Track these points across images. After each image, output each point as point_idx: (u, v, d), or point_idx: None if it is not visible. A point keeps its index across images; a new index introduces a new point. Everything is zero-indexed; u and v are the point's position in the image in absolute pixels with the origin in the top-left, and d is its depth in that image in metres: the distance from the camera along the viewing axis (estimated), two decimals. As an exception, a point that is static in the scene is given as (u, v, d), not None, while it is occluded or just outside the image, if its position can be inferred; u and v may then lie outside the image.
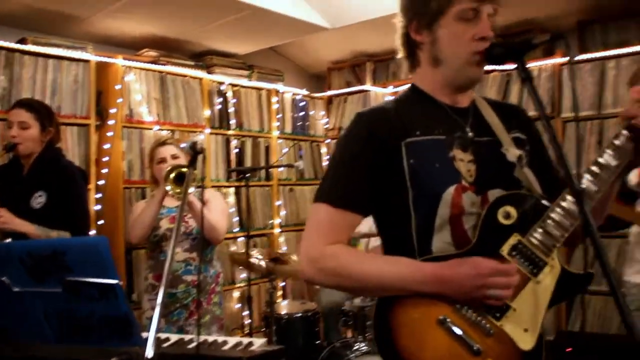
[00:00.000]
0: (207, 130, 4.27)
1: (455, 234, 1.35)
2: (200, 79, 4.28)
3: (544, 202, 1.34)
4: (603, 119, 3.87)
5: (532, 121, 1.56)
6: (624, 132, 1.28)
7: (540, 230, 1.30)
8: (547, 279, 1.30)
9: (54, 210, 2.72)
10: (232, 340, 1.75)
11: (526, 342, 1.28)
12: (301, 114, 5.17)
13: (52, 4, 3.49)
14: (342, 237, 1.40)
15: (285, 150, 4.94)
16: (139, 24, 3.87)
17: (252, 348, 1.69)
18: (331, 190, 1.40)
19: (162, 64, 4.04)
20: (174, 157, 3.06)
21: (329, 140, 5.43)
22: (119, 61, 3.76)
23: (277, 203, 4.82)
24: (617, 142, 1.29)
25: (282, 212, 4.88)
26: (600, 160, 1.30)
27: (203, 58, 4.43)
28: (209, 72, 4.38)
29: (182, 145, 3.13)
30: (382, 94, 5.08)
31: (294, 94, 5.09)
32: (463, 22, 1.36)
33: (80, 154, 3.58)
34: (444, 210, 1.34)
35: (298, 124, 5.13)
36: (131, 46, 4.15)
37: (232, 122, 4.49)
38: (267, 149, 4.81)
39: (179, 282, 2.96)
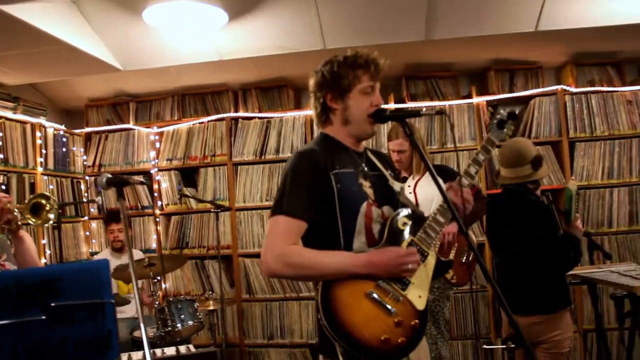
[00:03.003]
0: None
1: (368, 237, 1.95)
2: (-33, 110, 3.95)
3: (424, 216, 2.05)
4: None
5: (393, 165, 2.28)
6: (481, 153, 2.08)
7: (423, 233, 1.98)
8: (430, 262, 1.99)
9: None
10: (170, 349, 1.99)
11: (420, 304, 1.93)
12: (63, 149, 5.05)
13: None
14: (297, 240, 1.88)
15: (50, 186, 4.77)
16: None
17: (195, 351, 1.97)
18: (288, 205, 1.87)
19: None
20: None
21: (87, 178, 5.38)
22: None
23: (43, 242, 4.62)
24: (478, 157, 2.08)
25: (47, 252, 4.68)
26: (469, 170, 2.06)
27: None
28: (-26, 102, 4.07)
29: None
30: (147, 133, 5.33)
31: (55, 129, 4.96)
32: (364, 95, 2.00)
33: None
34: (361, 219, 1.93)
35: (59, 160, 5.00)
36: None
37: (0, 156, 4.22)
38: (33, 185, 4.59)
39: None
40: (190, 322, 4.00)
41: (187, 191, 5.07)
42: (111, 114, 5.52)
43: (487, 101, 4.95)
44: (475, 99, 4.95)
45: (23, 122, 4.55)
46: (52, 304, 1.63)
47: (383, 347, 1.81)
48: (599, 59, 5.01)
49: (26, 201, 2.75)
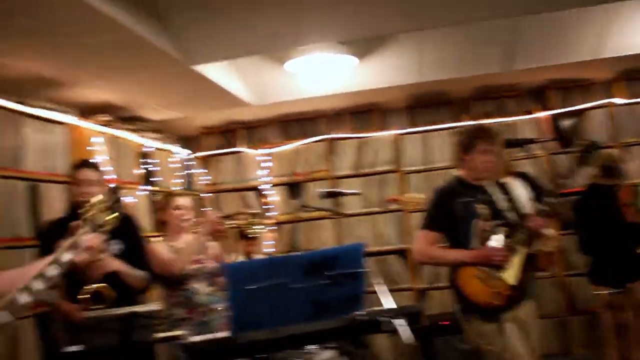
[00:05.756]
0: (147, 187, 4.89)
1: (480, 241, 2.99)
2: (132, 142, 4.91)
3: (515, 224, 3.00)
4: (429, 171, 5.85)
5: None
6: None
7: (515, 236, 2.95)
8: (522, 253, 2.96)
9: (129, 255, 3.30)
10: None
11: (511, 280, 2.93)
12: (189, 172, 6.00)
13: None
14: (434, 243, 3.05)
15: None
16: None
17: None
18: (426, 223, 3.08)
19: (115, 128, 4.60)
20: (186, 207, 3.79)
21: (209, 194, 6.31)
22: (91, 125, 4.27)
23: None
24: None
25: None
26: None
27: (131, 122, 5.02)
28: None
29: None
30: (254, 154, 6.25)
31: (186, 155, 5.92)
32: (482, 154, 3.04)
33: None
34: (474, 230, 2.99)
35: (188, 180, 5.94)
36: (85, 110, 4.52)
37: (155, 180, 5.16)
38: (175, 203, 5.51)
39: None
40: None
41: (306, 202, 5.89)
42: (222, 139, 6.46)
43: (549, 115, 5.80)
44: (537, 114, 5.81)
45: (164, 150, 5.51)
46: (331, 273, 2.51)
47: (487, 307, 2.93)
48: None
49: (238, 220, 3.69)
